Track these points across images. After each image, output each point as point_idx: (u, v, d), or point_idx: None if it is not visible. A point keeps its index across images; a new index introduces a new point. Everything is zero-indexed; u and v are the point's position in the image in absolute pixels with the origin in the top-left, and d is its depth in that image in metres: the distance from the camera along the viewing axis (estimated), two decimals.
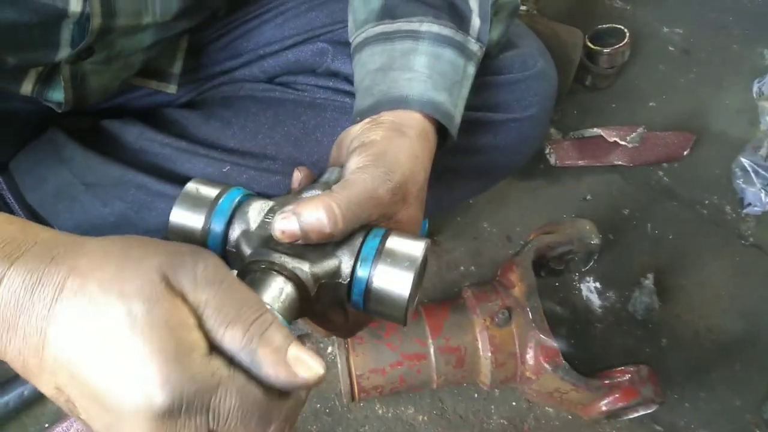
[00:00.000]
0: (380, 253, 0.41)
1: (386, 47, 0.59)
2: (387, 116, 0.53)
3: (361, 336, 0.72)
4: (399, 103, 0.54)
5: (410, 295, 0.40)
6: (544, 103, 0.74)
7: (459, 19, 0.59)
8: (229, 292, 0.33)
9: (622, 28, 1.11)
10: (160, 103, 0.79)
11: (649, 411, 0.72)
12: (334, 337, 0.74)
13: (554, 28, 1.00)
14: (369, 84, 0.58)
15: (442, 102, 0.56)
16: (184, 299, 0.33)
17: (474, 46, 0.59)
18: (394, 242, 0.42)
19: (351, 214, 0.42)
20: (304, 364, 0.33)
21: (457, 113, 0.57)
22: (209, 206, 0.43)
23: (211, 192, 0.44)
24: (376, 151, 0.48)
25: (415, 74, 0.56)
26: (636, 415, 0.73)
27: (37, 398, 0.74)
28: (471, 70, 0.59)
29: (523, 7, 1.06)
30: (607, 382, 0.69)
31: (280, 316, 0.35)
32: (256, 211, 0.44)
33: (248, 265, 0.39)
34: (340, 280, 0.42)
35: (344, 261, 0.42)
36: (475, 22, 0.60)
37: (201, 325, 0.32)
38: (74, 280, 0.32)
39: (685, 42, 1.23)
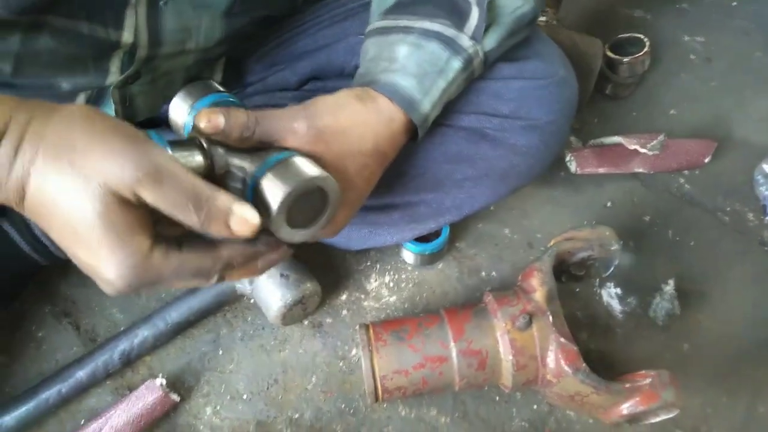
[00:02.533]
0: (278, 163, 0.48)
1: (380, 39, 0.64)
2: (357, 89, 0.59)
3: (385, 339, 0.74)
4: (368, 83, 0.60)
5: (281, 205, 0.46)
6: (565, 109, 0.76)
7: (457, 17, 0.62)
8: (175, 186, 0.41)
9: (642, 37, 1.12)
10: None
11: (670, 416, 0.72)
12: (357, 339, 0.76)
13: (574, 38, 1.02)
14: (362, 71, 0.63)
15: (404, 86, 0.60)
16: (133, 201, 0.41)
17: (466, 42, 0.62)
18: (296, 161, 0.49)
19: (265, 128, 0.50)
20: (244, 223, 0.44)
21: (427, 101, 0.60)
22: (196, 99, 0.54)
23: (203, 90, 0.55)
24: (318, 98, 0.56)
25: (394, 63, 0.61)
26: (657, 419, 0.73)
27: (75, 395, 0.78)
28: (456, 63, 0.62)
29: (542, 18, 1.08)
30: (627, 385, 0.70)
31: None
32: None
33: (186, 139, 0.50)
34: (243, 176, 0.49)
35: (252, 162, 0.49)
36: (473, 21, 0.62)
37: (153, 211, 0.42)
38: (44, 158, 0.40)
39: (707, 50, 1.23)
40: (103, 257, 0.40)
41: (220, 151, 0.49)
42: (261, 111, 0.51)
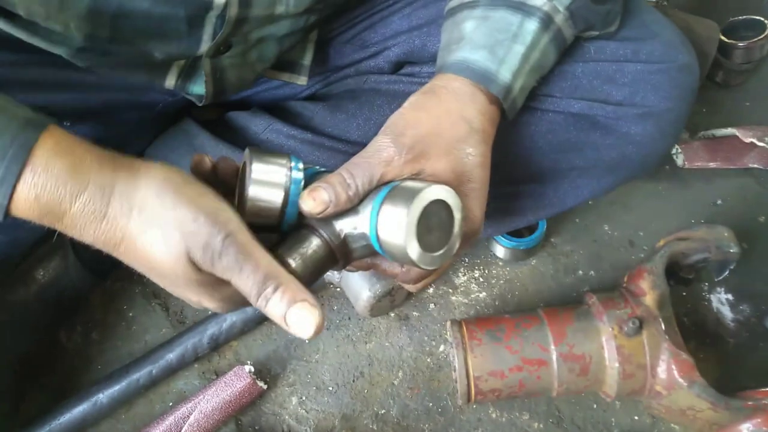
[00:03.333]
0: (385, 200, 0.46)
1: (449, 22, 0.61)
2: (424, 87, 0.56)
3: (480, 338, 0.70)
4: (439, 69, 0.57)
5: (407, 235, 0.43)
6: (686, 97, 0.69)
7: None
8: (246, 262, 0.42)
9: (762, 19, 1.02)
10: (284, 96, 0.81)
11: None
12: (448, 337, 0.73)
13: (688, 21, 0.94)
14: (437, 63, 0.60)
15: (474, 60, 0.55)
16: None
17: (538, 1, 0.57)
18: (399, 188, 0.46)
19: (363, 176, 0.48)
20: (299, 325, 0.42)
21: (505, 70, 0.56)
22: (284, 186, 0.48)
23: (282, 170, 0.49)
24: (392, 119, 0.53)
25: (461, 41, 0.57)
26: None
27: (164, 377, 0.78)
28: (531, 25, 0.57)
29: None
30: (750, 403, 0.64)
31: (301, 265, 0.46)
32: None
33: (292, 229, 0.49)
34: (363, 231, 0.47)
35: (364, 213, 0.47)
36: None
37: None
38: (138, 219, 0.43)
39: None
40: (201, 302, 0.47)
41: (332, 223, 0.48)
42: (349, 162, 0.49)
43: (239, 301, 0.46)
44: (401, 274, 0.54)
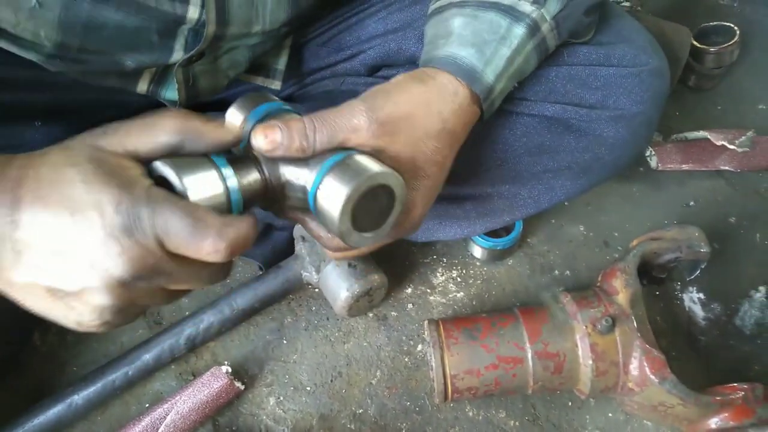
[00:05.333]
0: (336, 165, 0.45)
1: (435, 19, 0.61)
2: (413, 71, 0.55)
3: (456, 337, 0.71)
4: (425, 63, 0.56)
5: (343, 208, 0.44)
6: (657, 100, 0.71)
7: None
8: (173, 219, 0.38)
9: (732, 25, 1.05)
10: None
11: None
12: (426, 336, 0.74)
13: (660, 25, 0.96)
14: (423, 57, 0.60)
15: (462, 56, 0.55)
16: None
17: (527, 8, 0.58)
18: (353, 160, 0.46)
19: (324, 134, 0.47)
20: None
21: (490, 71, 0.56)
22: (250, 110, 0.50)
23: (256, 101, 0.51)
24: (374, 89, 0.52)
25: (449, 36, 0.57)
26: None
27: (140, 378, 0.77)
28: (518, 30, 0.57)
29: (626, 3, 1.02)
30: (718, 398, 0.65)
31: (238, 194, 0.44)
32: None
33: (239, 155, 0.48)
34: (304, 184, 0.47)
35: (311, 168, 0.47)
36: None
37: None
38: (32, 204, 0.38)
39: None
40: (93, 219, 0.38)
41: (278, 164, 0.47)
42: (318, 113, 0.48)
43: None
44: (324, 239, 0.53)
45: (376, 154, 0.49)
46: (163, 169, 0.42)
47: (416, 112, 0.52)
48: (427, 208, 0.56)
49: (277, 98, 0.52)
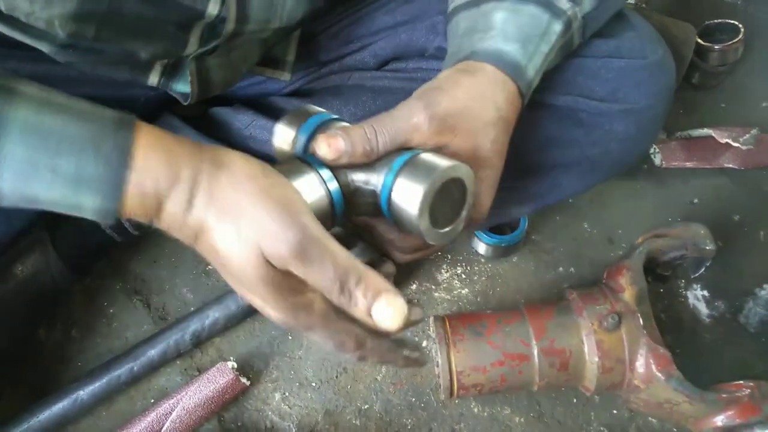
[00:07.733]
0: (406, 165, 0.45)
1: (471, 12, 0.60)
2: (458, 65, 0.55)
3: (462, 333, 0.71)
4: (469, 57, 0.55)
5: (422, 206, 0.44)
6: (664, 94, 0.70)
7: None
8: (321, 268, 0.41)
9: (737, 23, 1.05)
10: (268, 92, 0.81)
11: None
12: (431, 332, 0.74)
13: (664, 23, 0.96)
14: (454, 50, 0.59)
15: (508, 51, 0.55)
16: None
17: (564, 4, 0.57)
18: (422, 159, 0.46)
19: (386, 136, 0.47)
20: (385, 317, 0.42)
21: (531, 67, 0.56)
22: (300, 124, 0.50)
23: (304, 115, 0.51)
24: (426, 86, 0.52)
25: (491, 31, 0.56)
26: None
27: (146, 374, 0.78)
28: (557, 26, 0.57)
29: (630, 1, 1.02)
30: (724, 396, 0.66)
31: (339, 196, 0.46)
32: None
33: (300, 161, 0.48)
34: (374, 188, 0.47)
35: (378, 172, 0.47)
36: None
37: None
38: (216, 216, 0.42)
39: None
40: (265, 308, 0.44)
41: (345, 172, 0.47)
42: (375, 117, 0.48)
43: (304, 310, 0.44)
44: (396, 240, 0.53)
45: (438, 150, 0.49)
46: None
47: (472, 104, 0.52)
48: (491, 198, 0.55)
49: (322, 109, 0.53)
